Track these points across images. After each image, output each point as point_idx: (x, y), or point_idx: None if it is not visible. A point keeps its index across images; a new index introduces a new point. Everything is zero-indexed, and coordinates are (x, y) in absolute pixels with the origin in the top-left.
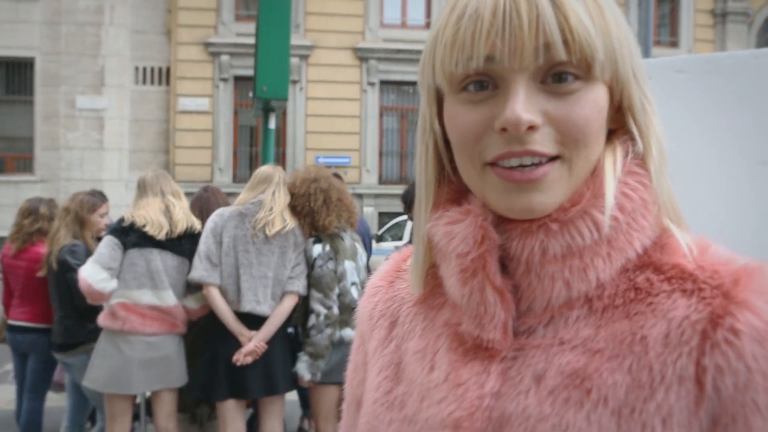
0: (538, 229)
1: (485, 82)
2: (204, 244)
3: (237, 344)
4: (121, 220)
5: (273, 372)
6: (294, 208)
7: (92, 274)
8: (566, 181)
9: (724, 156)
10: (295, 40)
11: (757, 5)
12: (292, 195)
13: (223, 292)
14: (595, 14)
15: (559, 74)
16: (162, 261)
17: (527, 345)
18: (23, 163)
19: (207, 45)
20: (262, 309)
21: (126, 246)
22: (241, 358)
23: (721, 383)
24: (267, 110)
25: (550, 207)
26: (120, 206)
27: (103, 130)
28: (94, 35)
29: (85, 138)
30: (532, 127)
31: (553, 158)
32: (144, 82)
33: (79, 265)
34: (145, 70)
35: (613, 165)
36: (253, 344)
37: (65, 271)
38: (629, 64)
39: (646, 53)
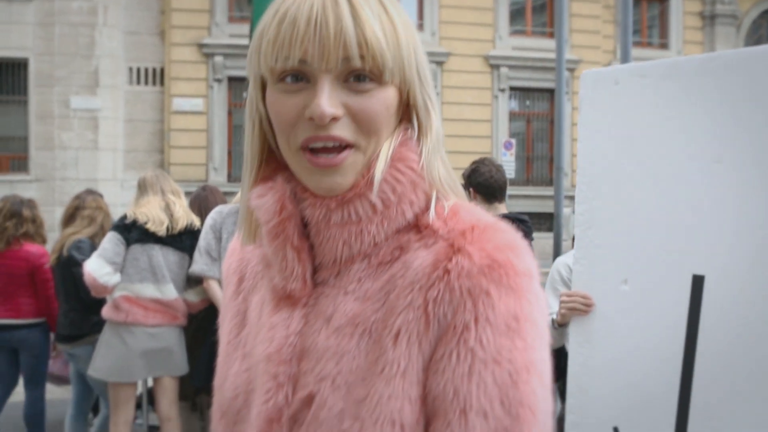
0: (322, 203)
1: (300, 76)
2: (204, 240)
3: None
4: (124, 217)
5: None
6: None
7: (97, 268)
8: (360, 164)
9: (682, 154)
10: None
11: (745, 7)
12: None
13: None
14: (388, 30)
15: (357, 76)
16: (163, 256)
17: (322, 294)
18: (18, 162)
19: (201, 46)
20: None
21: (129, 242)
22: None
23: (440, 310)
24: None
25: (347, 186)
26: (116, 205)
27: (98, 130)
28: (87, 36)
29: (80, 138)
30: (334, 118)
31: (349, 145)
32: (138, 82)
33: (85, 260)
34: (139, 70)
35: (387, 151)
36: None
37: (71, 266)
38: (415, 70)
39: (624, 58)
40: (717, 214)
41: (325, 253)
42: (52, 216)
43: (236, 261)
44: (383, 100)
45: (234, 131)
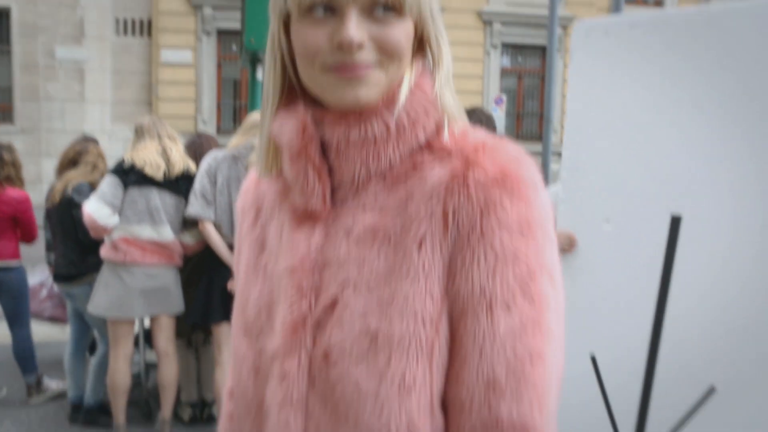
0: (341, 120)
1: (327, 8)
2: (199, 184)
3: (230, 273)
4: (122, 161)
5: None
6: None
7: (96, 210)
8: (384, 82)
9: (665, 101)
10: None
11: None
12: None
13: (218, 227)
14: None
15: (378, 6)
16: (160, 199)
17: (341, 211)
18: (2, 114)
19: None
20: None
21: (126, 185)
22: (234, 285)
23: (459, 217)
24: (254, 61)
25: (371, 99)
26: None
27: (84, 82)
28: None
29: (66, 89)
30: (360, 45)
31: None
32: (125, 33)
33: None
34: (126, 21)
35: (409, 78)
36: None
37: (71, 208)
38: (428, 8)
39: (617, 8)
40: (695, 158)
41: (344, 174)
42: (38, 168)
43: (251, 197)
44: (403, 29)
45: (223, 84)
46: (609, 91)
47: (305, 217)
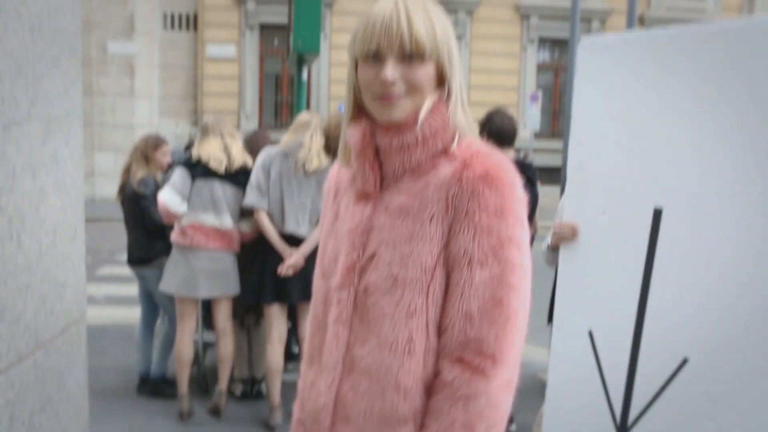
0: (387, 132)
1: (376, 57)
2: (255, 177)
3: (280, 259)
4: (190, 156)
5: (309, 281)
6: (328, 149)
7: (169, 198)
8: (408, 108)
9: (655, 108)
10: None
11: None
12: (327, 137)
13: (270, 217)
14: (429, 28)
15: (409, 56)
16: (222, 190)
17: (385, 194)
18: None
19: None
20: (301, 231)
21: (194, 177)
22: (283, 270)
23: (455, 202)
24: (301, 63)
25: (399, 119)
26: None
27: (134, 76)
28: None
29: (117, 84)
30: (393, 82)
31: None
32: (173, 27)
33: (151, 194)
34: (173, 16)
35: (428, 105)
36: (294, 259)
37: (139, 199)
38: (446, 54)
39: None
40: (677, 158)
41: (388, 169)
42: (91, 161)
43: (334, 182)
44: (425, 70)
45: (265, 79)
46: (607, 99)
47: (362, 196)
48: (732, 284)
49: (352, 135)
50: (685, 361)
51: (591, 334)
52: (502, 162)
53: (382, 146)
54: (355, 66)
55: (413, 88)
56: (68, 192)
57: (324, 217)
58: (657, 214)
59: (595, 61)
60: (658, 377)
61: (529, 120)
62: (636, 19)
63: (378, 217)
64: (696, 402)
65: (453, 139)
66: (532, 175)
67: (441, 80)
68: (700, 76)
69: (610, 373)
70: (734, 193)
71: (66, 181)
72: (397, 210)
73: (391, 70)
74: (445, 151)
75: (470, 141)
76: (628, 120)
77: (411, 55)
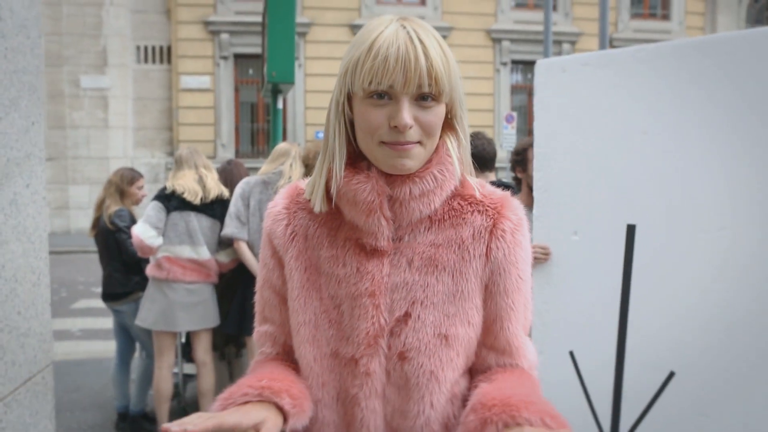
0: (406, 180)
1: (384, 95)
2: (234, 207)
3: None
4: (164, 188)
5: None
6: (308, 177)
7: (143, 231)
8: (423, 154)
9: (617, 127)
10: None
11: None
12: (306, 166)
13: (250, 246)
14: (445, 64)
15: (424, 96)
16: (198, 222)
17: (400, 246)
18: None
19: (207, 24)
20: None
21: (168, 209)
22: None
23: (496, 254)
24: (276, 92)
25: (413, 168)
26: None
27: (108, 109)
28: (94, 15)
29: (90, 117)
30: (410, 127)
31: (418, 143)
32: (146, 61)
33: (127, 227)
34: (146, 49)
35: (451, 149)
36: None
37: (114, 233)
38: (458, 94)
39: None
40: (644, 174)
41: (404, 219)
42: (65, 194)
43: (294, 225)
44: (439, 113)
45: (240, 108)
46: (568, 120)
47: (374, 252)
48: (711, 293)
49: (360, 189)
50: (671, 375)
51: (572, 355)
52: (520, 206)
53: (400, 196)
54: (349, 99)
55: (428, 133)
56: (30, 236)
57: (293, 268)
58: (630, 230)
59: (552, 82)
60: (646, 393)
61: (504, 140)
62: (608, 41)
63: (399, 273)
64: (687, 415)
65: (461, 181)
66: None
67: (451, 120)
68: (663, 91)
69: (595, 392)
70: (700, 203)
71: (27, 225)
72: (426, 265)
73: (407, 114)
74: (459, 194)
75: (479, 182)
76: (593, 139)
77: (425, 96)
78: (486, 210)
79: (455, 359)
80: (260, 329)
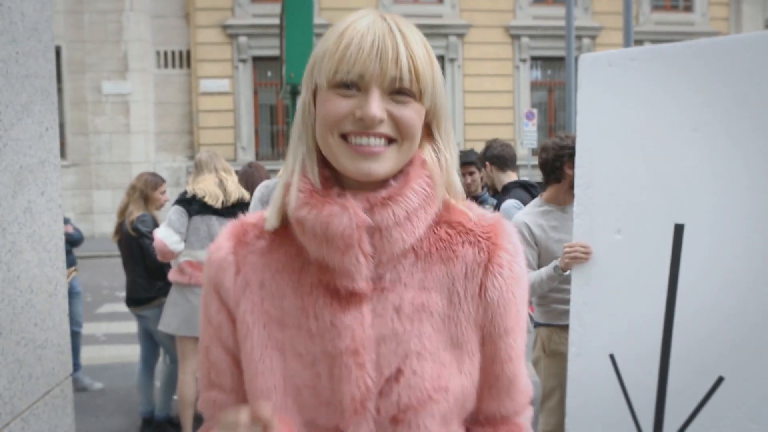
0: (387, 201)
1: (351, 86)
2: (254, 210)
3: None
4: (185, 193)
5: None
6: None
7: (166, 236)
8: (395, 158)
9: (665, 124)
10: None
11: None
12: None
13: None
14: (429, 64)
15: (399, 90)
16: (220, 225)
17: (382, 287)
18: None
19: (225, 27)
20: None
21: (190, 214)
22: None
23: (492, 294)
24: (294, 94)
25: (382, 174)
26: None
27: (129, 114)
28: (115, 22)
29: (113, 122)
30: (380, 120)
31: (389, 141)
32: (166, 65)
33: (149, 232)
34: (166, 54)
35: (431, 162)
36: None
37: (138, 238)
38: (440, 98)
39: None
40: (694, 172)
41: (384, 252)
42: (90, 199)
43: (245, 272)
44: (418, 111)
45: (260, 110)
46: (614, 115)
47: (350, 298)
48: (764, 296)
49: (334, 223)
50: (720, 380)
51: (613, 358)
52: (513, 230)
53: (381, 224)
54: (314, 98)
55: (404, 132)
56: (45, 245)
57: (220, 321)
58: (678, 229)
59: (598, 77)
60: (691, 398)
61: (525, 138)
62: (633, 34)
63: (385, 323)
64: (735, 421)
65: (443, 202)
66: (536, 194)
67: (428, 131)
68: (716, 87)
69: (636, 397)
70: (753, 203)
71: (42, 234)
72: (419, 311)
73: (377, 105)
74: (444, 220)
75: (467, 205)
76: (640, 135)
77: (402, 91)
78: (478, 241)
79: (454, 413)
80: (207, 395)
